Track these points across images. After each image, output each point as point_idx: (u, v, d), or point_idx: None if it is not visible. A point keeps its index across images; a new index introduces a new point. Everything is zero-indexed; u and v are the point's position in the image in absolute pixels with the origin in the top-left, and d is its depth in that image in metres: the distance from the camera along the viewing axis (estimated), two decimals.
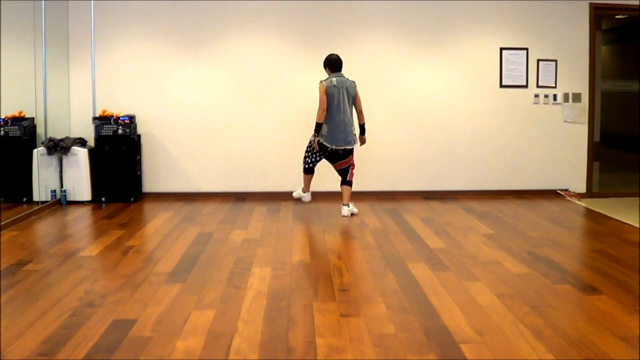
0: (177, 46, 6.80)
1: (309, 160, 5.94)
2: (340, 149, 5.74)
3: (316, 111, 5.68)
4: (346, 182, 5.86)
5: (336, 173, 5.94)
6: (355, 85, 5.77)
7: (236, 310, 3.28)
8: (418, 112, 6.96)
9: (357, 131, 5.88)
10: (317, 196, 6.71)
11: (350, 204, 5.89)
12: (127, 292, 3.58)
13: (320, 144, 5.72)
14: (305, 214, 6.00)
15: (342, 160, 5.81)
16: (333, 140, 5.67)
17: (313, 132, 5.73)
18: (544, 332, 2.96)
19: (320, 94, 5.61)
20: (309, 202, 6.26)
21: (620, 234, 5.10)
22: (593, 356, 2.69)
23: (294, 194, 6.28)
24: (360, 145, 5.97)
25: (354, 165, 5.88)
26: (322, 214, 5.93)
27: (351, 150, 5.82)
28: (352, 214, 5.87)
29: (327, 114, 5.61)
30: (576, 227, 5.65)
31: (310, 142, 5.88)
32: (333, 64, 5.73)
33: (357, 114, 5.86)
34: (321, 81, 5.67)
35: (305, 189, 6.13)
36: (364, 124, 5.90)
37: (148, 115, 6.81)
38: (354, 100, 5.77)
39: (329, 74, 5.76)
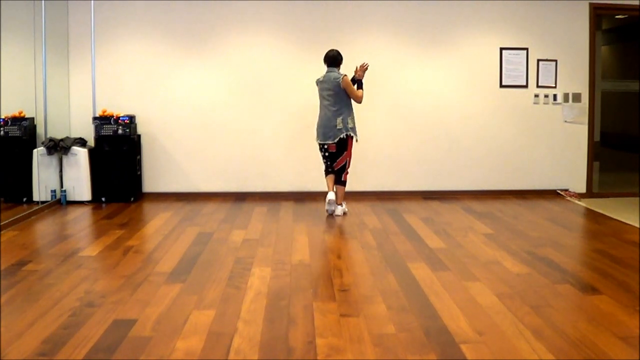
0: (177, 46, 6.80)
1: (324, 162, 5.92)
2: (320, 144, 5.81)
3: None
4: (340, 181, 5.82)
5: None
6: (341, 78, 5.62)
7: (236, 310, 3.28)
8: (418, 111, 6.95)
9: (341, 125, 5.67)
10: (317, 196, 6.70)
11: (343, 203, 5.88)
12: (127, 292, 3.58)
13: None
14: (305, 214, 5.99)
15: (338, 160, 5.76)
16: (317, 135, 5.83)
17: None
18: (544, 332, 2.96)
19: None
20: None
21: (620, 234, 5.10)
22: (593, 356, 2.69)
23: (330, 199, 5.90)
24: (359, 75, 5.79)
25: (349, 164, 5.81)
26: (322, 214, 5.93)
27: (342, 149, 5.72)
28: (344, 213, 5.87)
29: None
30: (576, 227, 5.65)
31: None
32: (325, 59, 5.82)
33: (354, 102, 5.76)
34: None
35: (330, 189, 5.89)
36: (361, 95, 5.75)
37: (148, 115, 6.81)
38: (341, 94, 5.65)
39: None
